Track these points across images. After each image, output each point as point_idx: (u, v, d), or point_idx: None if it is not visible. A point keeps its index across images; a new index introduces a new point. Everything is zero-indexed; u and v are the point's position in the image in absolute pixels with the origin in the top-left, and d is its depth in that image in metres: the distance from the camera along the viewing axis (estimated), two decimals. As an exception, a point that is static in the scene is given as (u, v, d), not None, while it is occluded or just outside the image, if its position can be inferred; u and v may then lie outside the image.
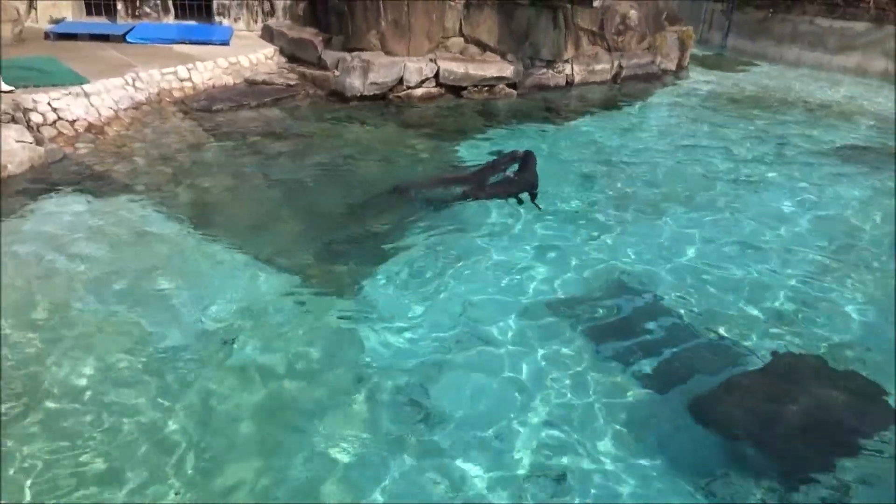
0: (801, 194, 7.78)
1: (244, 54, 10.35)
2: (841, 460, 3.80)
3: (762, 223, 6.88)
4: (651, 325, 4.97)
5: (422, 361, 4.43)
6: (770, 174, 8.40)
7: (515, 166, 7.50)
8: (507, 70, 11.11)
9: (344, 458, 3.62)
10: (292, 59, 10.85)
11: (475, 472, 3.59)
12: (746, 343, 4.84)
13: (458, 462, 3.64)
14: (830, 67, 15.90)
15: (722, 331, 4.96)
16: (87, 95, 7.87)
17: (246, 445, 3.65)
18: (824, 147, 9.70)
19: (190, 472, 3.46)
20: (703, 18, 18.47)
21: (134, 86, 8.62)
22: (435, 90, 10.63)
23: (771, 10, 17.05)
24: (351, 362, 4.37)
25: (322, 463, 3.57)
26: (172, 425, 3.73)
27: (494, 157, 7.82)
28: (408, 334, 4.71)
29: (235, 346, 4.41)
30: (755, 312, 5.24)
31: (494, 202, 6.87)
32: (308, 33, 10.86)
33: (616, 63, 12.77)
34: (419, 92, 10.47)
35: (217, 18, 11.66)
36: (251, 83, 10.04)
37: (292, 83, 10.19)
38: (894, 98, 11.97)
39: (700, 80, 14.00)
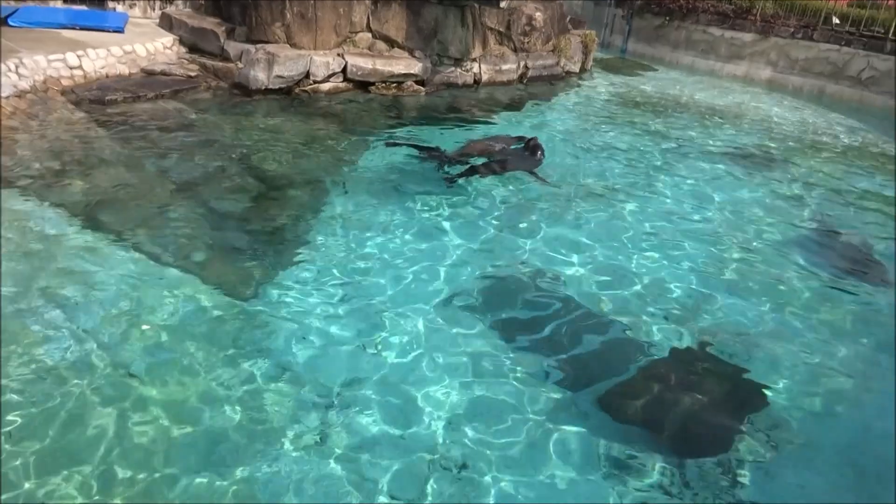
0: (695, 193, 8.16)
1: (141, 43, 9.87)
2: (732, 440, 4.03)
3: (658, 221, 7.16)
4: (555, 323, 5.07)
5: (329, 358, 4.37)
6: (665, 175, 8.76)
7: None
8: (416, 67, 11.11)
9: (255, 467, 3.52)
10: (193, 49, 10.44)
11: (384, 469, 3.57)
12: (646, 337, 5.02)
13: (368, 459, 3.61)
14: (721, 74, 16.80)
15: (624, 327, 5.13)
16: (-37, 81, 7.32)
17: (143, 450, 3.49)
18: (714, 149, 10.21)
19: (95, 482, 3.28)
20: (606, 23, 19.10)
21: (17, 72, 8.07)
22: (342, 85, 10.51)
23: (667, 18, 17.83)
24: (254, 357, 4.25)
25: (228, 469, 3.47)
26: (73, 434, 3.52)
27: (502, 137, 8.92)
28: (315, 330, 4.63)
29: (130, 353, 4.20)
30: (654, 308, 5.45)
31: (405, 198, 6.87)
32: (210, 23, 10.49)
33: (522, 63, 13.02)
34: (326, 86, 10.32)
35: (111, 4, 11.08)
36: (148, 73, 9.60)
37: (193, 74, 9.81)
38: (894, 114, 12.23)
39: (602, 82, 14.46)
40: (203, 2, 11.11)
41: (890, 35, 14.49)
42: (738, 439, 4.07)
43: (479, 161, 7.99)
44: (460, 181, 7.43)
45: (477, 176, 7.59)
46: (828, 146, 11.30)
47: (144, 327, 4.42)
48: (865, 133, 12.51)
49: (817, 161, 10.26)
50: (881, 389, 4.77)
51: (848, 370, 4.92)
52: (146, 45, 9.89)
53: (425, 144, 8.15)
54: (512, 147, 8.72)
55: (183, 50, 10.46)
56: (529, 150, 8.56)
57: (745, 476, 3.81)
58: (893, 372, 4.95)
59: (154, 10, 11.30)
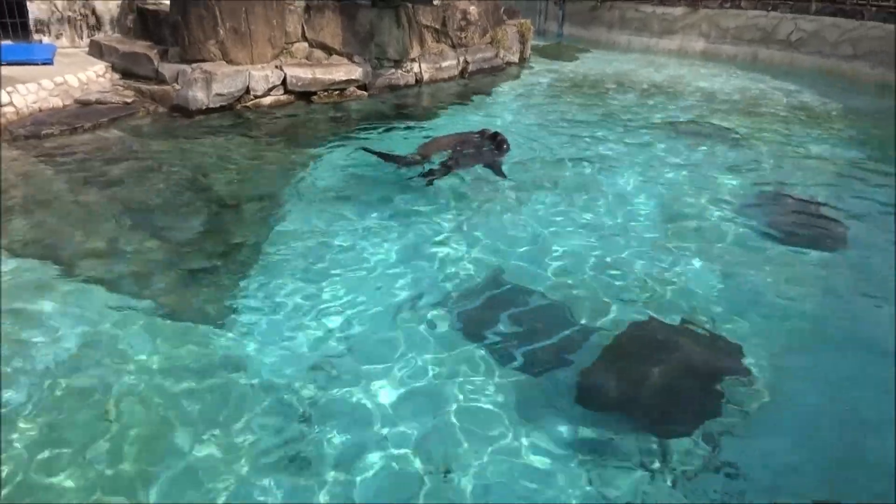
0: (645, 169, 8.30)
1: (72, 73, 9.61)
2: (706, 413, 4.09)
3: (607, 202, 7.24)
4: (517, 314, 5.08)
5: (295, 372, 4.32)
6: (614, 154, 8.88)
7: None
8: (356, 72, 11.06)
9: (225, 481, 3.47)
10: (126, 74, 10.20)
11: (365, 475, 3.55)
12: (610, 316, 5.08)
13: (347, 469, 3.58)
14: (657, 50, 17.10)
15: (584, 310, 5.17)
16: None
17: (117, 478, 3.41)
18: (659, 123, 10.40)
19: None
20: (539, 10, 19.27)
21: (-55, 116, 7.79)
22: (284, 97, 10.40)
23: (599, 0, 18.06)
24: (219, 379, 4.18)
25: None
26: (39, 470, 3.42)
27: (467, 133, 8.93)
28: (278, 346, 4.57)
29: (91, 387, 4.10)
30: (615, 286, 5.52)
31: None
32: (141, 46, 10.27)
33: (462, 59, 13.06)
34: (268, 100, 10.20)
35: (36, 36, 10.76)
36: (83, 104, 9.35)
37: (129, 100, 9.60)
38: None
39: (542, 69, 14.60)
40: (131, 26, 10.87)
41: (813, -3, 14.93)
42: (711, 408, 4.14)
43: (444, 158, 8.02)
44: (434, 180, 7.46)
45: (450, 173, 7.64)
46: (767, 110, 11.60)
47: (105, 360, 4.31)
48: (800, 94, 12.88)
49: (759, 125, 10.53)
50: (842, 344, 4.92)
51: (812, 328, 5.06)
52: (78, 75, 9.63)
53: (395, 154, 8.08)
54: (475, 141, 8.72)
55: (116, 76, 10.21)
56: (495, 145, 8.55)
57: (720, 443, 3.87)
58: (852, 327, 5.11)
59: (82, 38, 11.01)
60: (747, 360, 4.58)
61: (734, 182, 7.93)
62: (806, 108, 11.81)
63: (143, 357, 4.39)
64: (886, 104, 12.20)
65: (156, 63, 9.92)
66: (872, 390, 4.41)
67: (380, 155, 7.89)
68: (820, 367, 4.66)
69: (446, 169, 7.72)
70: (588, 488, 3.56)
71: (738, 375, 4.43)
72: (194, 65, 9.66)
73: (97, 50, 10.65)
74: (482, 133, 8.85)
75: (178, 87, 9.62)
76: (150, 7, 10.44)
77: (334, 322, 4.89)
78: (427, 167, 7.76)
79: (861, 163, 8.91)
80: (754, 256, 6.11)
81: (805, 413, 4.22)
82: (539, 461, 3.73)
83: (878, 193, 7.80)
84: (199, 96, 9.50)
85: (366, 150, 8.08)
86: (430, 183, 7.42)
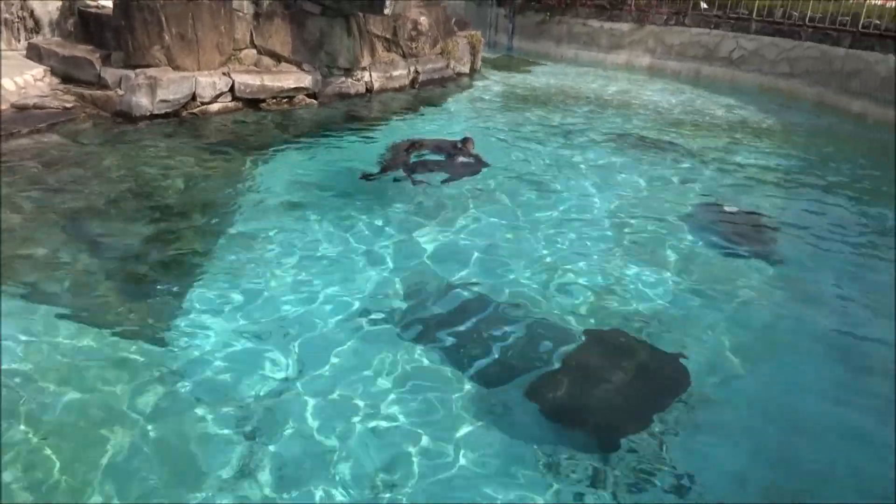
0: (591, 181, 8.42)
1: (8, 77, 9.26)
2: (653, 418, 4.15)
3: (556, 214, 7.32)
4: (469, 324, 5.08)
5: (244, 382, 4.23)
6: (561, 165, 8.99)
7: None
8: (306, 80, 10.97)
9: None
10: (67, 79, 9.89)
11: (311, 489, 3.49)
12: (560, 325, 5.12)
13: (294, 480, 3.52)
14: (605, 64, 17.43)
15: (536, 318, 5.20)
16: None
17: None
18: (606, 136, 10.58)
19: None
20: (490, 23, 19.46)
21: None
22: (232, 104, 10.23)
23: (548, 14, 18.35)
24: (168, 388, 4.07)
25: None
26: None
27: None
28: (227, 355, 4.48)
29: (34, 406, 3.94)
30: (562, 297, 5.57)
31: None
32: (82, 51, 9.98)
33: (412, 69, 13.08)
34: (215, 107, 10.02)
35: (-30, 38, 10.37)
36: (20, 108, 9.03)
37: (69, 105, 9.31)
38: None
39: (492, 80, 14.73)
40: (72, 30, 10.56)
41: (754, 16, 15.41)
42: (659, 412, 4.21)
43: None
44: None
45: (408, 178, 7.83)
46: (709, 124, 11.92)
47: (48, 376, 4.15)
48: (741, 109, 13.28)
49: (702, 139, 10.81)
50: (781, 346, 5.07)
51: (752, 332, 5.19)
52: (14, 79, 9.30)
53: (384, 164, 8.24)
54: (449, 149, 8.90)
55: (56, 81, 9.90)
56: (463, 153, 8.69)
57: (667, 446, 3.94)
58: (791, 332, 5.28)
59: (20, 41, 10.63)
60: (690, 366, 4.67)
61: (678, 194, 8.11)
62: (746, 123, 12.18)
63: (82, 370, 4.24)
64: (823, 121, 12.69)
65: (98, 68, 9.65)
66: (809, 390, 4.56)
67: (380, 174, 7.98)
68: (759, 369, 4.78)
69: (408, 171, 7.89)
70: (534, 496, 3.57)
71: (681, 380, 4.52)
72: (138, 70, 9.44)
73: (36, 53, 10.30)
74: (454, 144, 9.01)
75: (121, 92, 9.39)
76: (92, 10, 10.16)
77: (281, 332, 4.81)
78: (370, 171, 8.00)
79: (796, 175, 9.21)
80: (696, 266, 6.25)
81: (747, 415, 4.32)
82: (482, 471, 3.72)
83: (811, 204, 8.09)
84: (143, 102, 9.28)
85: (367, 177, 7.96)
86: (368, 178, 7.74)
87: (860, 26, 13.11)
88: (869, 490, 3.75)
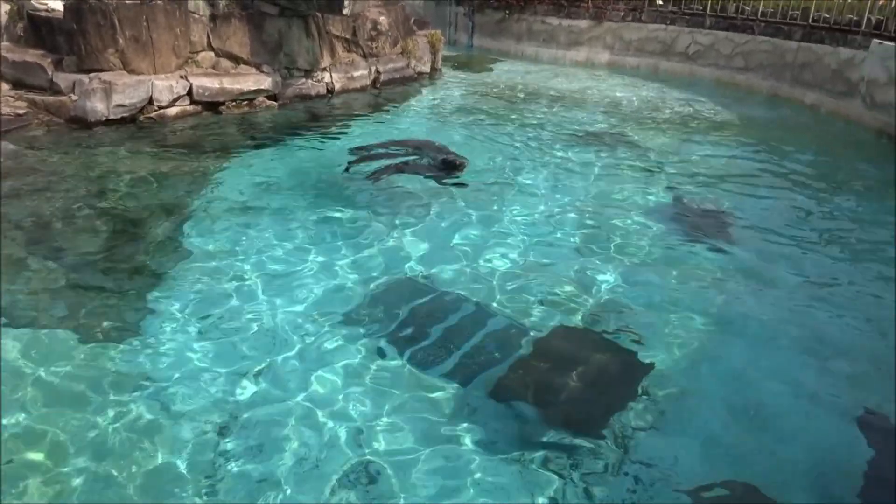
0: (555, 177, 8.49)
1: (-44, 83, 9.03)
2: (617, 413, 4.20)
3: (521, 210, 7.36)
4: (437, 323, 5.10)
5: (211, 391, 4.19)
6: (525, 162, 9.05)
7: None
8: (265, 82, 10.86)
9: None
10: (18, 85, 9.64)
11: (285, 495, 3.47)
12: (527, 322, 5.16)
13: (267, 486, 3.49)
14: (564, 61, 17.56)
15: (504, 315, 5.24)
16: None
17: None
18: (568, 132, 10.67)
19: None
20: (449, 21, 19.47)
21: None
22: (190, 108, 10.08)
23: (507, 12, 18.42)
24: (132, 401, 4.00)
25: None
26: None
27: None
28: (191, 363, 4.43)
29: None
30: (526, 295, 5.60)
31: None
32: (33, 55, 9.73)
33: (373, 69, 13.04)
34: (173, 111, 9.86)
35: (-86, 44, 10.05)
36: (-30, 116, 8.80)
37: (21, 112, 9.08)
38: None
39: (453, 79, 14.75)
40: (22, 34, 10.29)
41: (708, 12, 15.68)
42: (621, 408, 4.26)
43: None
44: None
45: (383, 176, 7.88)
46: (668, 119, 12.09)
47: (17, 392, 4.05)
48: (699, 103, 13.48)
49: (661, 133, 10.96)
50: (745, 337, 5.16)
51: (717, 324, 5.28)
52: (-37, 86, 9.05)
53: (394, 162, 8.25)
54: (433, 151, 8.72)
55: (6, 87, 9.64)
56: (447, 168, 8.17)
57: (632, 442, 3.98)
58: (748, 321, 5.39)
59: (-33, 46, 10.34)
60: (656, 359, 4.73)
61: (640, 188, 8.21)
62: (704, 117, 12.37)
63: (40, 385, 4.15)
64: (777, 113, 12.95)
65: (50, 73, 9.43)
66: (773, 379, 4.65)
67: (390, 172, 7.97)
68: (723, 360, 4.86)
69: (396, 170, 7.96)
70: (502, 488, 3.59)
71: (646, 374, 4.58)
72: (92, 74, 9.24)
73: (-16, 59, 10.03)
74: (445, 158, 8.45)
75: (74, 97, 9.19)
76: (42, 14, 9.92)
77: (242, 340, 4.76)
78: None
79: (751, 167, 9.39)
80: (658, 258, 6.34)
81: (713, 399, 4.41)
82: (450, 468, 3.74)
83: (769, 193, 8.26)
84: (98, 107, 9.10)
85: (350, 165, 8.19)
86: (347, 169, 8.00)
87: (810, 20, 13.43)
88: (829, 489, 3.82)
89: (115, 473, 3.54)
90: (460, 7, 19.39)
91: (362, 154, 8.56)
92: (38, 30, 10.00)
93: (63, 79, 9.35)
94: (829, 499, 3.68)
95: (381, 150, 8.70)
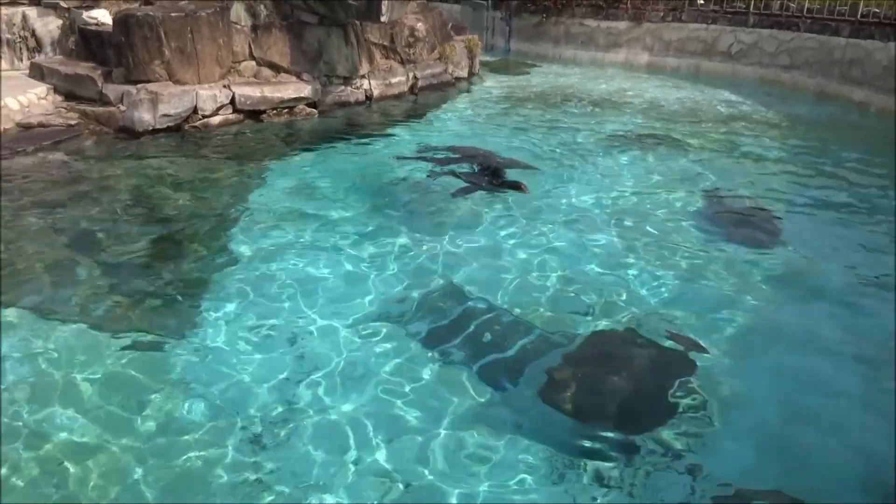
0: (596, 179, 8.43)
1: (12, 96, 9.36)
2: (663, 416, 4.15)
3: (562, 213, 7.33)
4: (476, 325, 5.10)
5: (259, 392, 4.27)
6: (565, 164, 9.00)
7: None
8: (305, 90, 11.01)
9: None
10: (70, 97, 9.96)
11: (329, 498, 3.51)
12: (569, 326, 5.13)
13: (311, 491, 3.53)
14: (603, 63, 17.39)
15: (543, 321, 5.20)
16: None
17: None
18: (608, 134, 10.58)
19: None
20: (486, 26, 19.44)
21: None
22: (233, 116, 10.28)
23: (544, 15, 18.33)
24: (181, 402, 4.10)
25: None
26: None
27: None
28: (240, 365, 4.52)
29: (56, 421, 3.97)
30: (567, 299, 5.57)
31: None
32: (84, 68, 10.05)
33: (411, 75, 13.11)
34: (216, 120, 10.07)
35: (-28, 60, 10.45)
36: (25, 127, 9.12)
37: (73, 123, 9.39)
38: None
39: (492, 83, 14.74)
40: (74, 48, 10.64)
41: (751, 9, 15.40)
42: (668, 410, 4.21)
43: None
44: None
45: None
46: (711, 119, 11.90)
47: (50, 391, 4.18)
48: (742, 104, 13.24)
49: (704, 134, 10.79)
50: (793, 340, 5.05)
51: (763, 327, 5.18)
52: (18, 98, 9.39)
53: (464, 171, 8.45)
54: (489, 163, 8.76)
55: (59, 98, 9.97)
56: (496, 178, 8.21)
57: (680, 444, 3.93)
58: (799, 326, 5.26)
59: (22, 60, 10.72)
60: (702, 362, 4.66)
61: (683, 189, 8.10)
62: (747, 116, 12.15)
63: (92, 386, 4.27)
64: (825, 111, 12.65)
65: (100, 84, 9.72)
66: (824, 388, 4.54)
67: (470, 182, 8.10)
68: (772, 364, 4.76)
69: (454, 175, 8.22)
70: (552, 489, 3.58)
71: (694, 377, 4.51)
72: (139, 85, 9.50)
73: (38, 72, 10.39)
74: (494, 171, 8.45)
75: (123, 108, 9.45)
76: (92, 28, 10.23)
77: (290, 343, 4.84)
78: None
79: (799, 166, 9.19)
80: (704, 261, 6.25)
81: (761, 412, 4.31)
82: (502, 465, 3.75)
83: (816, 193, 8.08)
84: (145, 117, 9.34)
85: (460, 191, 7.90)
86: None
87: (859, 15, 13.09)
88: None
89: (151, 476, 3.63)
90: (497, 12, 19.36)
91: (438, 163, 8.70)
92: (89, 43, 10.32)
93: (112, 90, 9.63)
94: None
95: (440, 156, 8.88)
